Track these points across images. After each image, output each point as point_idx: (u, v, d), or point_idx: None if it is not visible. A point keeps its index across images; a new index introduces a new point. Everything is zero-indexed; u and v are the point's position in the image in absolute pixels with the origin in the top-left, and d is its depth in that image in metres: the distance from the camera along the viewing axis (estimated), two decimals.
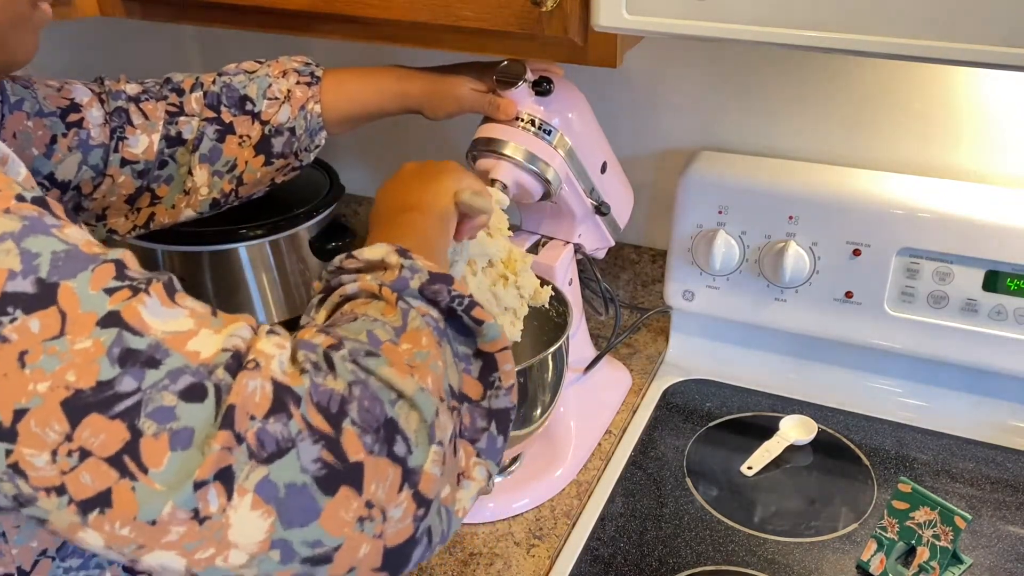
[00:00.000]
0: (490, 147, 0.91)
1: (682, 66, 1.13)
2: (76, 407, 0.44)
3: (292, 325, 1.35)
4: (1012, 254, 0.97)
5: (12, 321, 0.43)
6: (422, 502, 0.50)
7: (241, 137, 0.88)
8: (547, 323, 0.98)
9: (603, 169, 1.01)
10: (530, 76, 0.90)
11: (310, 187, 1.28)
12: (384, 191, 0.74)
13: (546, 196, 0.95)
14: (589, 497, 0.99)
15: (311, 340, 0.51)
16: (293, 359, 0.50)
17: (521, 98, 0.91)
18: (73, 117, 0.82)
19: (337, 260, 0.60)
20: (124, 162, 0.85)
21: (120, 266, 0.48)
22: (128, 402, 0.44)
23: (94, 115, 0.84)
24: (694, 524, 0.95)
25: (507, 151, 0.91)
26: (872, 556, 0.88)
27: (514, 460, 1.01)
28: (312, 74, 0.90)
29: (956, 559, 0.87)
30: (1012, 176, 1.03)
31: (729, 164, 1.11)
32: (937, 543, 0.85)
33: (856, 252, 1.03)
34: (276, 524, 0.46)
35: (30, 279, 0.44)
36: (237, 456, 0.45)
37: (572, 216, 1.00)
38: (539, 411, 0.93)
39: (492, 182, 0.91)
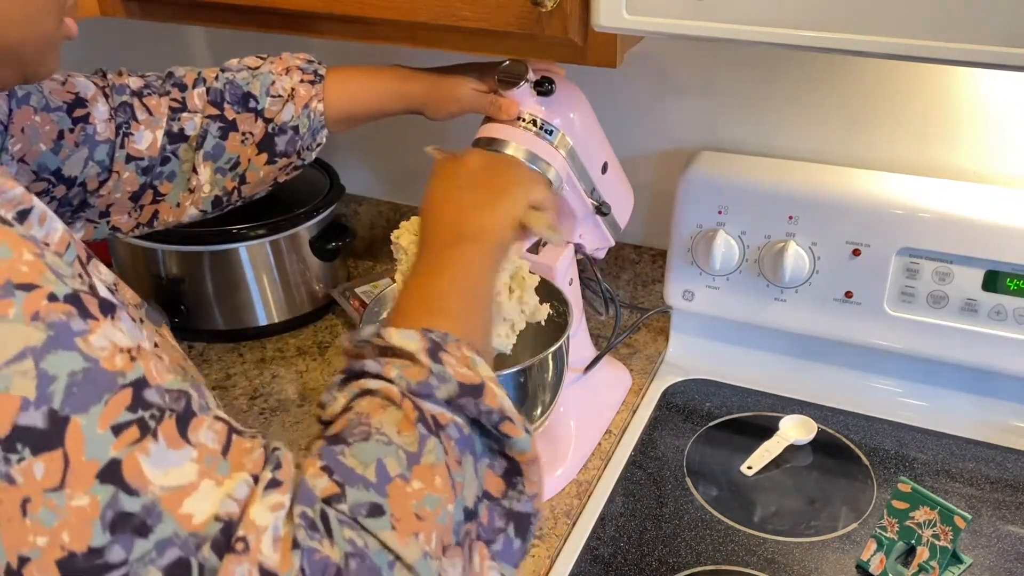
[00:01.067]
0: (491, 147, 0.91)
1: (682, 66, 1.13)
2: (70, 569, 0.42)
3: (293, 325, 1.35)
4: (1012, 254, 0.97)
5: (19, 461, 0.42)
6: None
7: (244, 134, 0.88)
8: (547, 323, 0.98)
9: (604, 169, 1.01)
10: (532, 76, 0.90)
11: (310, 187, 1.28)
12: (440, 197, 0.70)
13: None
14: (589, 497, 0.99)
15: (312, 488, 0.48)
16: (290, 515, 0.47)
17: (522, 98, 0.91)
18: (79, 112, 0.82)
19: (368, 333, 0.56)
20: (129, 158, 0.85)
21: (138, 390, 0.45)
22: (115, 574, 0.43)
23: (100, 110, 0.83)
24: (694, 524, 0.95)
25: (508, 151, 0.91)
26: (872, 556, 0.88)
27: None
28: (316, 72, 0.90)
29: (956, 559, 0.87)
30: (1012, 176, 1.03)
31: (729, 164, 1.11)
32: (937, 543, 0.85)
33: (856, 252, 1.03)
34: None
35: (42, 410, 0.42)
36: None
37: (573, 216, 1.00)
38: (539, 411, 0.93)
39: None
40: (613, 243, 1.09)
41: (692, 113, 1.15)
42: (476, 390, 0.54)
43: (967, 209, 0.98)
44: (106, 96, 0.84)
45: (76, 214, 0.86)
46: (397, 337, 0.55)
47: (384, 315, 0.94)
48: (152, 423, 0.45)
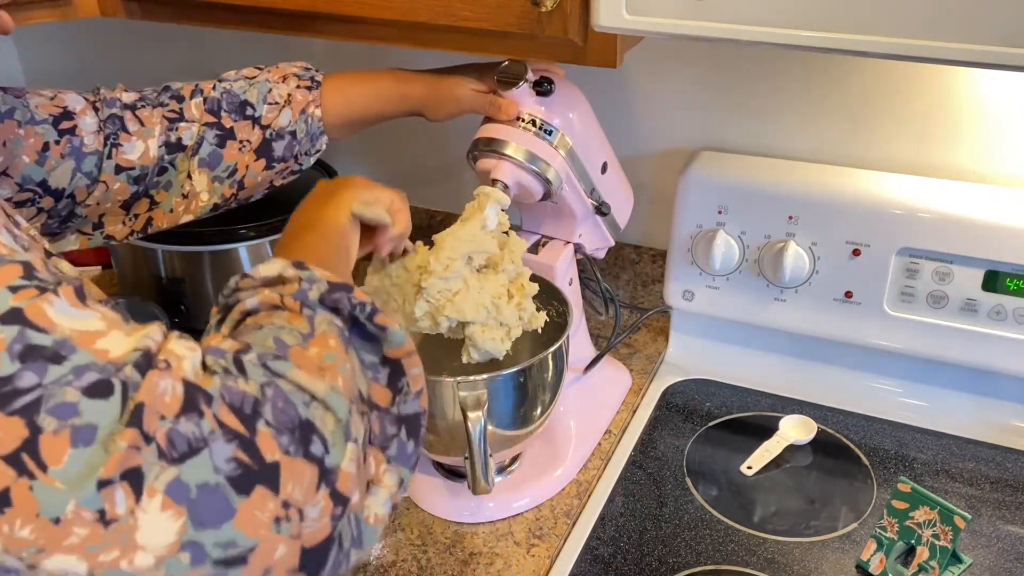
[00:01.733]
0: (491, 147, 0.91)
1: (682, 66, 1.13)
2: None
3: None
4: (1012, 254, 0.97)
5: None
6: (339, 500, 0.49)
7: (241, 142, 0.88)
8: (547, 323, 0.98)
9: (603, 169, 1.01)
10: (531, 76, 0.90)
11: (310, 187, 1.27)
12: (293, 214, 0.75)
13: (547, 196, 0.95)
14: (589, 497, 0.99)
15: (218, 346, 0.51)
16: (203, 364, 0.49)
17: (522, 98, 0.91)
18: (66, 124, 0.82)
19: (232, 281, 0.59)
20: (119, 169, 0.85)
21: (28, 267, 0.46)
22: (28, 398, 0.43)
23: (87, 122, 0.83)
24: (694, 524, 0.95)
25: (508, 151, 0.91)
26: (872, 556, 0.88)
27: (514, 460, 1.01)
28: (312, 79, 0.90)
29: (956, 559, 0.87)
30: (1012, 176, 1.03)
31: (729, 164, 1.11)
32: (937, 543, 0.85)
33: (856, 252, 1.03)
34: (187, 525, 0.44)
35: None
36: (145, 456, 0.44)
37: (572, 216, 1.00)
38: (539, 411, 0.93)
39: (493, 182, 0.91)
40: (613, 243, 1.09)
41: (692, 113, 1.15)
42: (346, 287, 0.57)
43: (967, 209, 0.98)
44: (95, 109, 0.85)
45: (65, 224, 0.86)
46: (262, 269, 0.59)
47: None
48: (49, 287, 0.46)
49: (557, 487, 0.99)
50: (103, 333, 0.46)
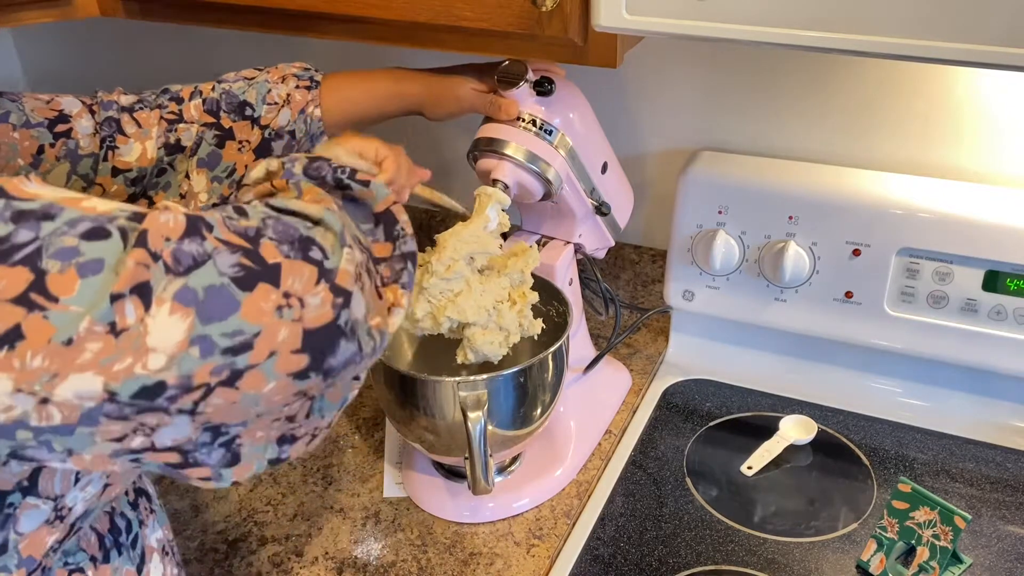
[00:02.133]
0: (491, 147, 0.91)
1: (682, 66, 1.13)
2: None
3: None
4: (1012, 254, 0.97)
5: None
6: (339, 292, 0.53)
7: (240, 142, 0.88)
8: (547, 323, 0.98)
9: (604, 169, 1.01)
10: (531, 76, 0.90)
11: None
12: None
13: (547, 196, 0.95)
14: (589, 497, 0.99)
15: (219, 211, 0.55)
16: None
17: (522, 98, 0.91)
18: (61, 127, 0.82)
19: (232, 193, 0.66)
20: (116, 171, 0.85)
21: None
22: (27, 249, 0.45)
23: (83, 125, 0.83)
24: (694, 524, 0.95)
25: (508, 151, 0.91)
26: (872, 556, 0.88)
27: (514, 460, 1.01)
28: (311, 79, 0.90)
29: (956, 559, 0.87)
30: (1012, 176, 1.03)
31: (729, 164, 1.11)
32: (937, 543, 0.85)
33: (856, 252, 1.03)
34: (195, 322, 0.47)
35: None
36: (154, 272, 0.47)
37: (572, 216, 1.00)
38: (539, 411, 0.93)
39: (494, 182, 0.91)
40: (613, 243, 1.09)
41: (692, 113, 1.15)
42: (325, 158, 0.64)
43: (967, 209, 0.98)
44: (92, 112, 0.85)
45: None
46: (251, 174, 0.66)
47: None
48: (21, 173, 0.50)
49: (557, 487, 0.99)
50: (86, 198, 0.49)
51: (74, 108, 0.84)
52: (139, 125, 0.86)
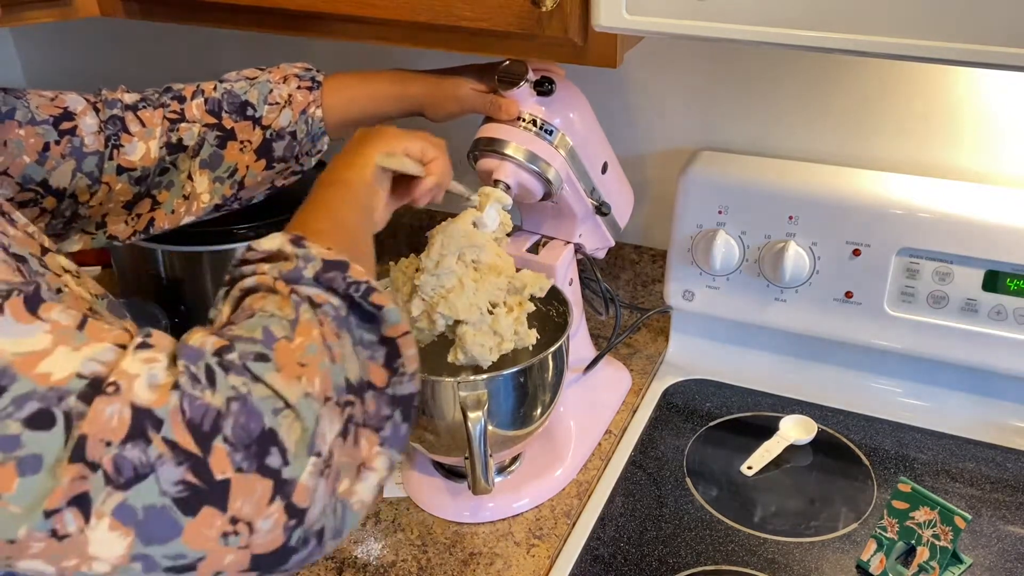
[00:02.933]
0: (491, 147, 0.91)
1: (682, 66, 1.13)
2: None
3: None
4: (1012, 254, 0.97)
5: None
6: (295, 513, 0.49)
7: (242, 143, 0.88)
8: (547, 323, 0.98)
9: (604, 169, 1.01)
10: (532, 76, 0.90)
11: (311, 187, 1.28)
12: (327, 166, 0.76)
13: (547, 196, 0.95)
14: (589, 497, 0.99)
15: (199, 346, 0.50)
16: (172, 365, 0.49)
17: (523, 98, 0.91)
18: (66, 125, 0.82)
19: (240, 251, 0.61)
20: (121, 169, 0.85)
21: None
22: None
23: (88, 123, 0.83)
24: (694, 524, 0.95)
25: (508, 151, 0.91)
26: (872, 556, 0.88)
27: (514, 460, 1.01)
28: (313, 79, 0.90)
29: (956, 559, 0.87)
30: (1012, 176, 1.03)
31: (729, 164, 1.11)
32: (937, 543, 0.85)
33: (856, 252, 1.03)
34: (135, 543, 0.46)
35: None
36: (93, 483, 0.45)
37: (573, 216, 1.00)
38: (539, 411, 0.93)
39: (496, 183, 0.91)
40: (613, 243, 1.09)
41: (692, 113, 1.15)
42: (341, 264, 0.57)
43: (967, 209, 0.98)
44: (96, 110, 0.85)
45: (69, 225, 0.86)
46: (264, 243, 0.59)
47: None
48: None
49: (557, 487, 0.99)
50: (47, 353, 0.46)
51: (78, 106, 0.84)
52: (143, 124, 0.86)
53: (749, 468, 1.01)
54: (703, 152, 1.14)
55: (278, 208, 1.21)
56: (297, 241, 0.58)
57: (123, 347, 0.49)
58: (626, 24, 0.72)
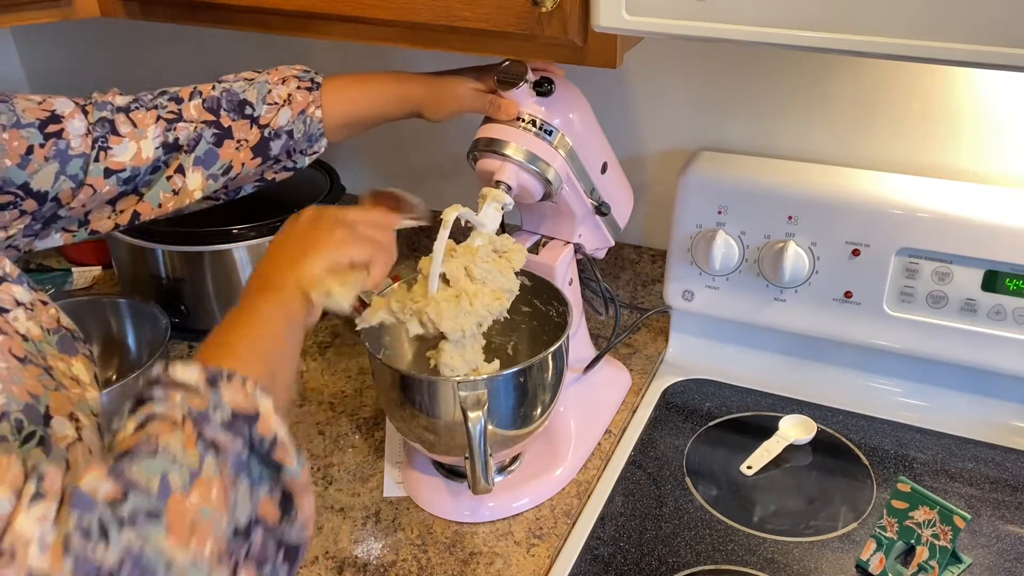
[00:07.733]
0: (491, 147, 0.92)
1: (682, 66, 1.13)
2: None
3: None
4: (1011, 254, 0.97)
5: None
6: None
7: (239, 141, 0.88)
8: (547, 323, 0.98)
9: (603, 169, 1.01)
10: (531, 76, 0.90)
11: (310, 187, 1.28)
12: (273, 244, 0.74)
13: (547, 196, 0.95)
14: (589, 497, 0.99)
15: (92, 494, 0.50)
16: (60, 521, 0.49)
17: (522, 98, 0.91)
18: (52, 128, 0.81)
19: (157, 370, 0.60)
20: (108, 172, 0.84)
21: None
22: None
23: (75, 126, 0.82)
24: (694, 524, 0.95)
25: (508, 151, 0.91)
26: (871, 555, 0.88)
27: (514, 460, 1.01)
28: (312, 80, 0.90)
29: (955, 558, 0.87)
30: (1012, 176, 1.03)
31: (729, 164, 1.11)
32: (936, 542, 0.85)
33: (855, 252, 1.03)
34: None
35: None
36: None
37: (572, 216, 1.00)
38: (539, 411, 0.93)
39: (496, 183, 0.91)
40: (613, 243, 1.09)
41: (692, 113, 1.15)
42: (250, 419, 0.58)
43: (967, 209, 0.99)
44: (85, 112, 0.84)
45: (49, 225, 0.85)
46: (180, 372, 0.59)
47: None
48: None
49: (557, 487, 0.99)
50: None
51: (67, 108, 0.83)
52: (134, 125, 0.85)
53: (749, 468, 1.01)
54: (703, 152, 1.14)
55: (276, 208, 1.21)
56: (213, 381, 0.58)
57: (18, 493, 0.49)
58: (626, 24, 0.72)
